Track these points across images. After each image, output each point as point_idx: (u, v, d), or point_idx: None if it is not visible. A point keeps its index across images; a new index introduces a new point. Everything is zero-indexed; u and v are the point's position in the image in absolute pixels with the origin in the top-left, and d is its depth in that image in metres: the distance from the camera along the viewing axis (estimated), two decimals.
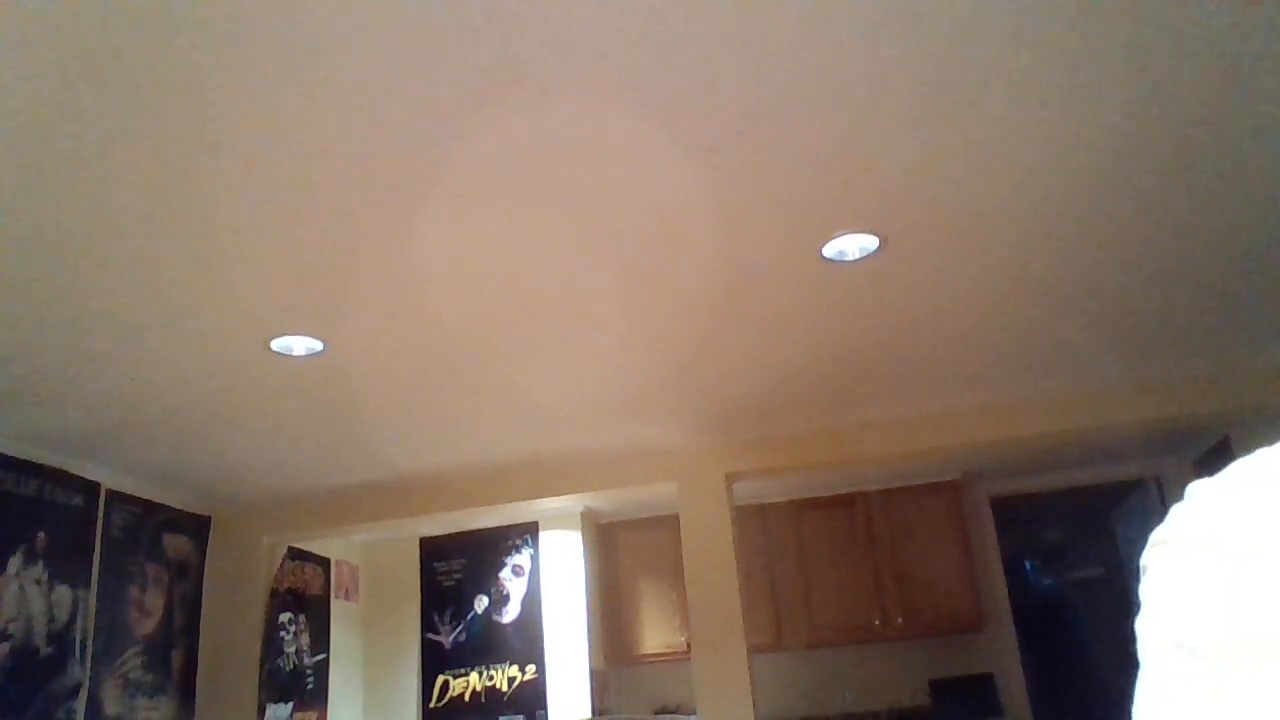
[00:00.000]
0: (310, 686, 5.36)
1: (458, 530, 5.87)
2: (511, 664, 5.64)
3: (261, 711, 4.84)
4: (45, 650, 3.82)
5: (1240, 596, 0.44)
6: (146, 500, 4.55)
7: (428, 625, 5.87)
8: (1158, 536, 0.51)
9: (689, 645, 4.90)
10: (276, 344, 3.14)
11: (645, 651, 5.84)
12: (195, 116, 1.99)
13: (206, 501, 4.95)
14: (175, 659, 4.65)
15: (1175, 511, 0.50)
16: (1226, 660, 0.43)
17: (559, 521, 5.78)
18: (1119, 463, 5.94)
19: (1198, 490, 0.50)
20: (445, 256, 2.68)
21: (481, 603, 5.80)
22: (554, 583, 5.71)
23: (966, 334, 3.58)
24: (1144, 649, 0.49)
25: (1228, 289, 3.35)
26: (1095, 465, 5.96)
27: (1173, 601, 0.47)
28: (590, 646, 5.56)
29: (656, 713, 5.95)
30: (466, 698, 5.66)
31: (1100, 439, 5.02)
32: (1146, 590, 0.50)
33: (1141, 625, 0.49)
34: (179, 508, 4.80)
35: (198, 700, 4.75)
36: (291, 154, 2.14)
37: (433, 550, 5.99)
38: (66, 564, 3.98)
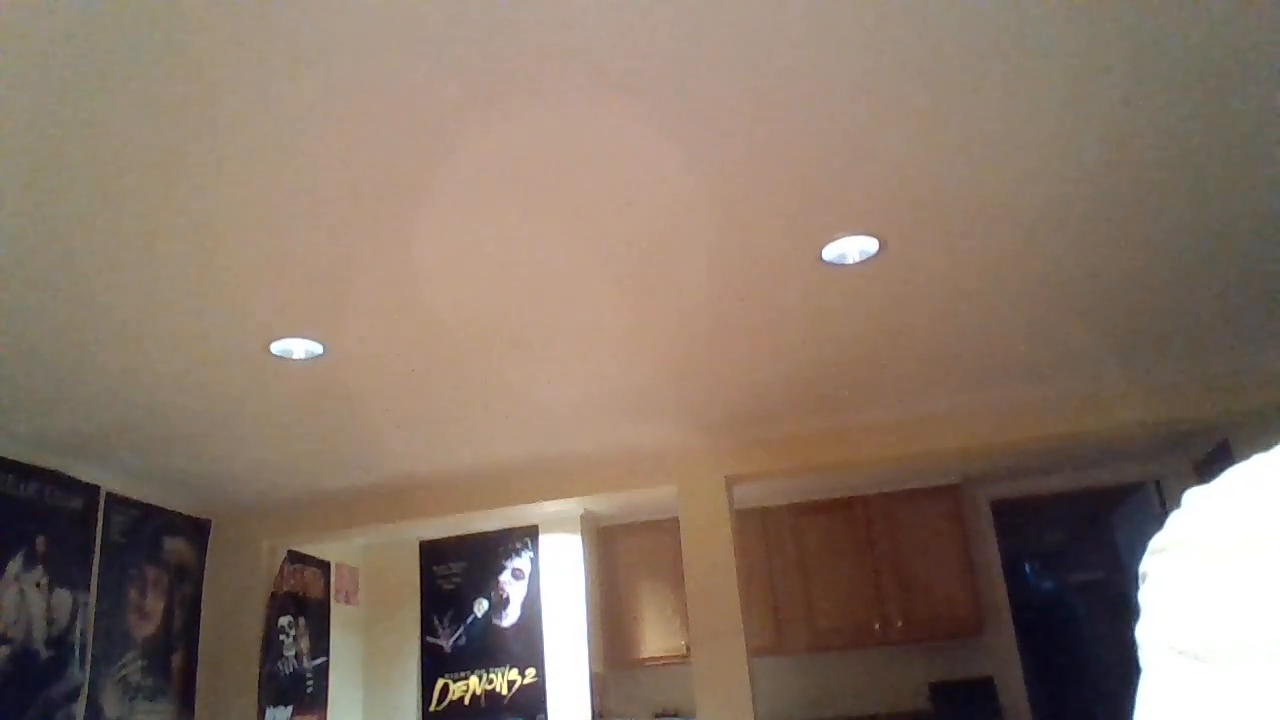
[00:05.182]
0: (310, 690, 5.36)
1: (457, 533, 5.87)
2: (511, 667, 5.63)
3: (261, 715, 4.83)
4: (45, 654, 3.82)
5: (1241, 601, 0.44)
6: (146, 503, 4.55)
7: (427, 629, 5.87)
8: (1156, 544, 0.51)
9: (689, 649, 4.90)
10: (276, 346, 3.14)
11: (645, 655, 5.83)
12: (195, 119, 1.99)
13: (206, 505, 4.94)
14: (175, 662, 4.65)
15: (1173, 519, 0.51)
16: (1229, 665, 0.44)
17: (559, 525, 5.78)
18: (1119, 465, 5.94)
19: (1194, 497, 0.50)
20: (445, 259, 2.68)
21: (481, 606, 5.80)
22: (554, 586, 5.71)
23: (966, 336, 3.59)
24: (1145, 655, 0.49)
25: (1228, 291, 3.35)
26: (1095, 468, 5.96)
27: (1173, 608, 0.48)
28: (590, 650, 5.56)
29: (656, 716, 5.94)
30: (466, 701, 5.66)
31: (1100, 442, 5.02)
32: (1146, 597, 0.50)
33: (1142, 632, 0.50)
34: (179, 511, 4.80)
35: (197, 703, 4.75)
36: (292, 157, 2.14)
37: (432, 553, 5.99)
38: (66, 567, 3.98)
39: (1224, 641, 0.44)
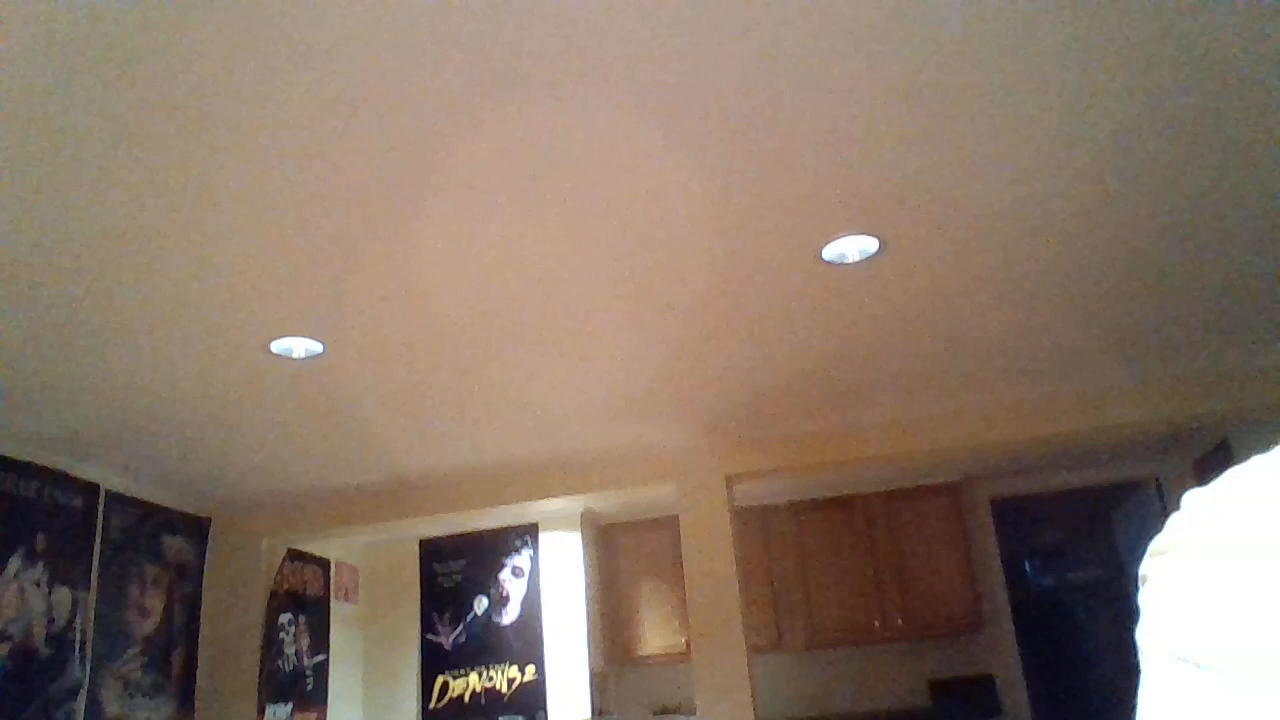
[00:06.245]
0: (310, 687, 5.36)
1: (458, 531, 5.87)
2: (511, 665, 5.64)
3: (261, 712, 4.84)
4: (45, 651, 3.82)
5: (1240, 607, 0.44)
6: (146, 502, 4.55)
7: (427, 626, 5.87)
8: (1156, 546, 0.50)
9: (689, 646, 4.90)
10: (276, 345, 3.14)
11: (645, 652, 5.84)
12: (195, 118, 1.99)
13: (206, 503, 4.95)
14: (175, 660, 4.65)
15: (1173, 521, 0.50)
16: (1228, 672, 0.43)
17: (559, 523, 5.78)
18: (1119, 463, 5.94)
19: (1194, 499, 0.50)
20: (445, 258, 2.68)
21: (481, 604, 5.80)
22: (554, 584, 5.71)
23: (966, 335, 3.58)
24: (1145, 659, 0.48)
25: (1228, 289, 3.35)
26: (1095, 466, 5.96)
27: (1174, 612, 0.47)
28: (590, 647, 5.56)
29: (656, 714, 5.94)
30: (466, 699, 5.66)
31: (1100, 440, 5.02)
32: (1146, 600, 0.50)
33: (1142, 635, 0.49)
34: (179, 509, 4.80)
35: (197, 701, 4.75)
36: (291, 155, 2.14)
37: (432, 551, 5.99)
38: (66, 565, 3.98)
39: (1223, 647, 0.44)
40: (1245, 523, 0.46)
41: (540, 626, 5.64)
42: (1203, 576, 0.46)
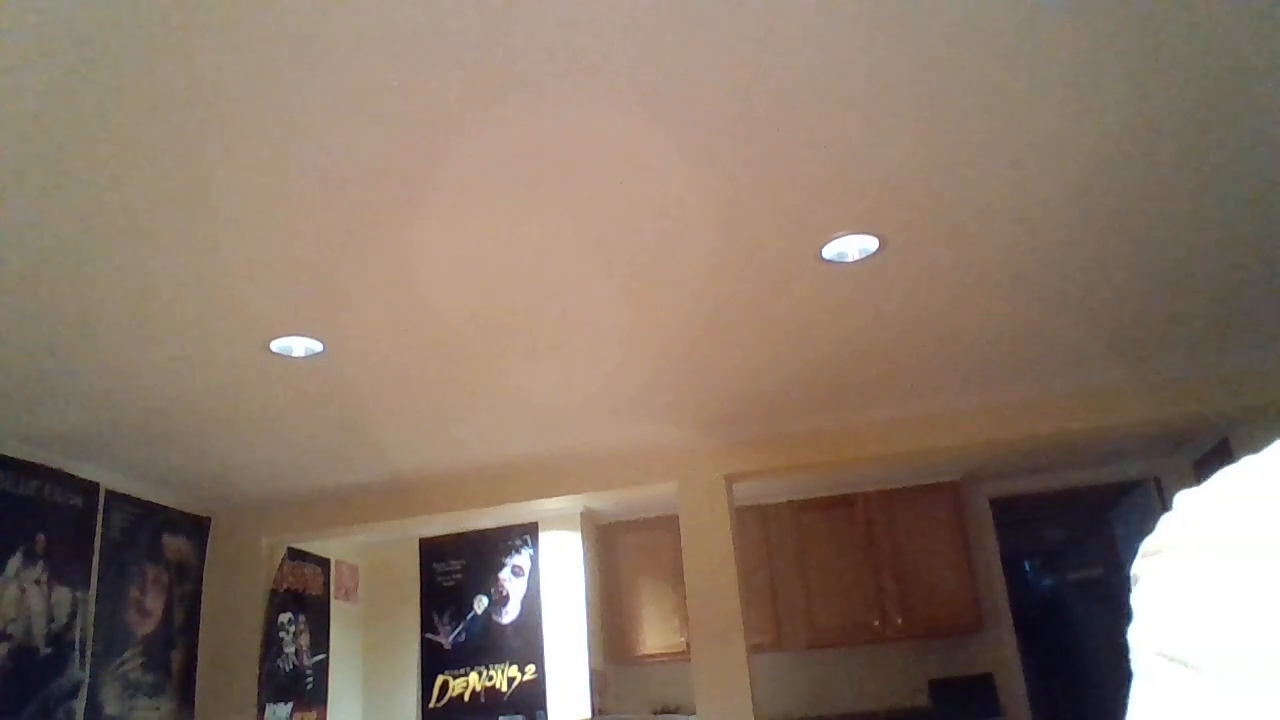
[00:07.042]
0: (310, 687, 5.36)
1: (457, 531, 5.87)
2: (511, 664, 5.64)
3: (261, 711, 4.84)
4: (45, 650, 3.82)
5: (1231, 605, 0.44)
6: (146, 501, 4.55)
7: (427, 625, 5.87)
8: (1147, 547, 0.50)
9: (689, 645, 4.90)
10: (276, 345, 3.14)
11: (645, 652, 5.84)
12: (196, 119, 1.99)
13: (206, 502, 4.95)
14: (175, 659, 4.65)
15: (1164, 521, 0.50)
16: (1219, 672, 0.43)
17: (559, 522, 5.78)
18: (1119, 463, 5.94)
19: (1185, 499, 0.50)
20: (445, 257, 2.68)
21: (481, 603, 5.80)
22: (554, 583, 5.71)
23: (966, 334, 3.58)
24: (1136, 660, 0.48)
25: (1228, 289, 3.35)
26: (1095, 466, 5.96)
27: (1163, 612, 0.47)
28: (590, 647, 5.56)
29: (656, 713, 5.94)
30: (466, 698, 5.66)
31: (1100, 439, 5.02)
32: (1137, 601, 0.50)
33: (1133, 636, 0.49)
34: (178, 508, 4.80)
35: (197, 700, 4.75)
36: (292, 156, 2.14)
37: (432, 551, 5.99)
38: (66, 565, 3.98)
39: (1212, 647, 0.44)
40: (1236, 522, 0.46)
41: (540, 626, 5.65)
42: (1193, 576, 0.46)
